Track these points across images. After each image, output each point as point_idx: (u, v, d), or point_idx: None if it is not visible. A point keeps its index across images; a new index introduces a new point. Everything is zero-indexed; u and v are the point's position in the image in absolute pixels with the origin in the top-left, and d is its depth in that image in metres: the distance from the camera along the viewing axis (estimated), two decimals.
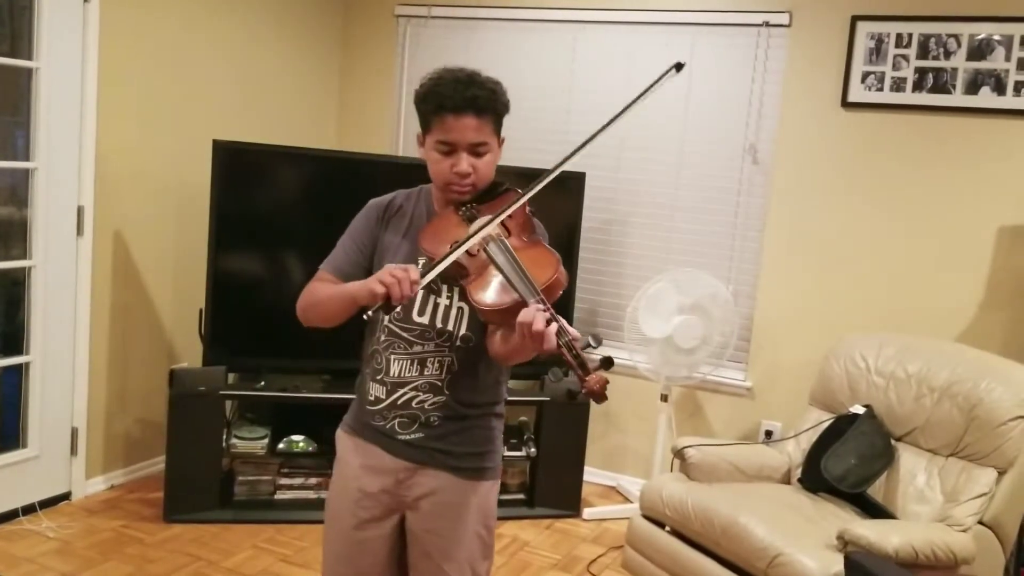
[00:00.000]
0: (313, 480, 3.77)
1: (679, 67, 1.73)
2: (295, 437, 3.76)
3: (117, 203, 3.70)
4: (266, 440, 3.75)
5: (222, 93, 4.13)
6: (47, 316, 3.48)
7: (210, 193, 3.65)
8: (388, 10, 4.70)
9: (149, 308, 3.93)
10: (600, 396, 1.52)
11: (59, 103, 3.41)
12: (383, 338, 1.86)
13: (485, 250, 1.73)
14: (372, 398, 1.88)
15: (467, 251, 1.71)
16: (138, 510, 3.63)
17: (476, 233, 1.70)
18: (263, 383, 3.72)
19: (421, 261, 1.82)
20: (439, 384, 1.84)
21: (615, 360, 1.60)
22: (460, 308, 1.83)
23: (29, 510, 3.48)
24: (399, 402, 1.85)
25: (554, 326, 1.54)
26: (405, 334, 1.84)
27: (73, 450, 3.65)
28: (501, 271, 1.69)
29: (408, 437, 1.86)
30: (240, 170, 3.70)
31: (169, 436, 3.51)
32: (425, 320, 1.83)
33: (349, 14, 4.81)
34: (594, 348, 1.55)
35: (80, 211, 3.54)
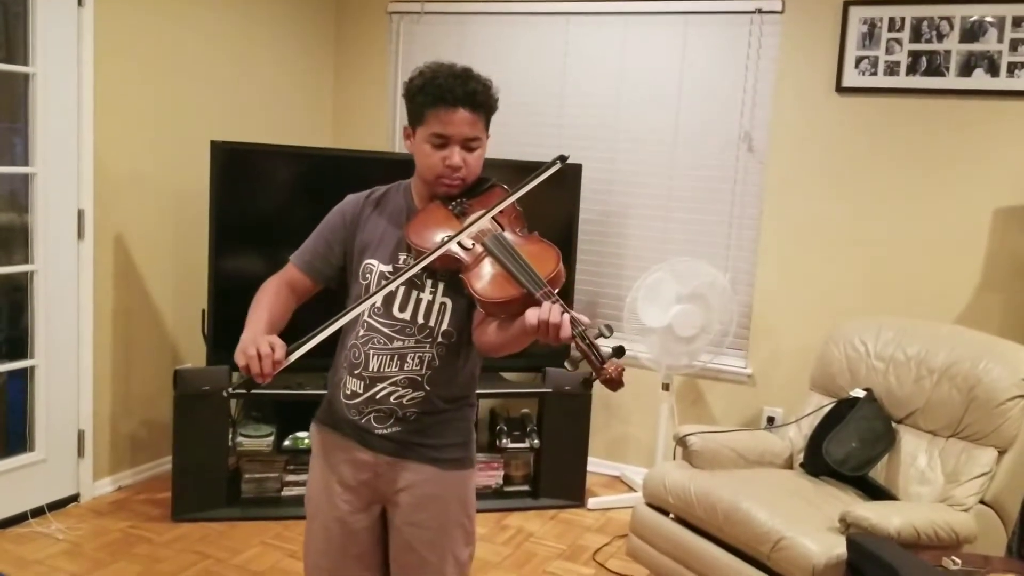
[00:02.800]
0: None
1: (563, 159, 1.86)
2: (300, 434, 3.78)
3: (117, 206, 3.72)
4: (271, 437, 3.77)
5: (218, 94, 4.14)
6: (50, 320, 3.50)
7: (209, 193, 3.67)
8: (381, 7, 4.71)
9: (152, 309, 3.95)
10: (617, 383, 1.52)
11: (56, 108, 3.42)
12: (362, 332, 1.84)
13: (483, 243, 1.73)
14: (348, 392, 1.86)
15: (461, 244, 1.72)
16: (146, 510, 3.66)
17: (471, 224, 1.70)
18: None
19: (402, 257, 1.82)
20: (419, 379, 1.82)
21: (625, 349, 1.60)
22: (443, 303, 1.81)
23: (38, 512, 3.51)
24: (377, 397, 1.83)
25: (567, 316, 1.54)
26: (385, 329, 1.82)
27: (80, 452, 3.67)
28: (502, 264, 1.68)
29: (385, 431, 1.85)
30: (238, 170, 3.72)
31: (175, 436, 3.54)
32: (406, 315, 1.82)
33: (342, 12, 4.82)
34: (606, 338, 1.56)
35: (80, 215, 3.55)
